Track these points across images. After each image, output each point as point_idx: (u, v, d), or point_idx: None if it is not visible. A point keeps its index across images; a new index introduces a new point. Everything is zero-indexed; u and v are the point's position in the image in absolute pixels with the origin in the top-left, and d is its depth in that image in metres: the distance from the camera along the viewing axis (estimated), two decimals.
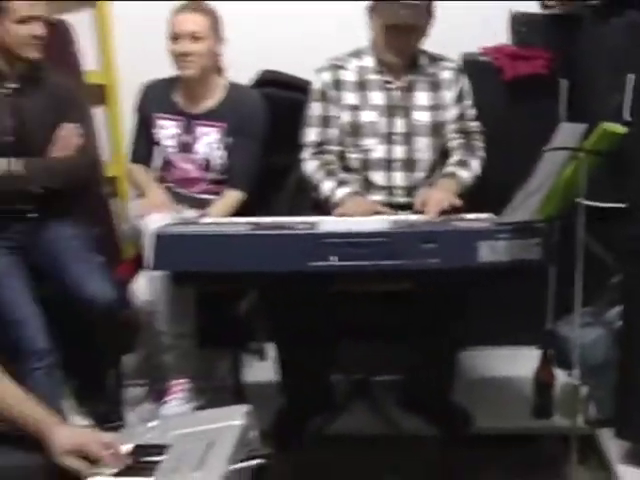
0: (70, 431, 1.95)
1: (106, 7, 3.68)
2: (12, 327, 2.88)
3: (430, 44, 3.13)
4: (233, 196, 3.29)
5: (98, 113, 3.72)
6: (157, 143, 3.34)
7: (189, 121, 3.32)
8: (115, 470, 1.86)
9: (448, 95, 3.15)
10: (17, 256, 3.08)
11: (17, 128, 3.05)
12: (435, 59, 3.17)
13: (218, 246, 2.54)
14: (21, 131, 3.05)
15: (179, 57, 3.21)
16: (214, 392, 3.12)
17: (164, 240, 2.57)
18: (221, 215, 3.17)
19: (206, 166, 3.32)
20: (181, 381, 3.06)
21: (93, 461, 1.87)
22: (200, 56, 3.22)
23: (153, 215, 3.06)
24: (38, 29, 3.01)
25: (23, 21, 2.97)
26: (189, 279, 2.69)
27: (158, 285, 2.95)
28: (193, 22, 3.21)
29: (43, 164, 3.08)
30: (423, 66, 3.14)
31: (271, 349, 3.30)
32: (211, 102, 3.32)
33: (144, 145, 3.38)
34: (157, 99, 3.35)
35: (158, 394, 3.15)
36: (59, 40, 3.44)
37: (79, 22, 3.64)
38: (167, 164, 3.35)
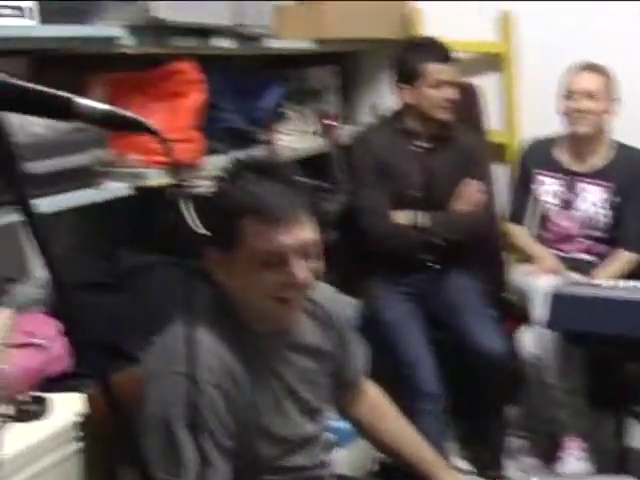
0: (458, 478, 2.03)
1: (513, 72, 3.82)
2: (406, 367, 3.06)
3: None
4: (625, 257, 3.27)
5: (497, 170, 3.84)
6: (535, 199, 3.40)
7: (572, 179, 3.36)
8: None
9: None
10: (415, 303, 3.27)
11: (426, 184, 3.24)
12: None
13: (615, 309, 2.56)
14: (429, 187, 3.24)
15: (574, 114, 3.28)
16: (597, 454, 3.08)
17: (561, 300, 2.63)
18: (611, 277, 3.14)
19: (587, 224, 3.33)
20: (575, 439, 3.05)
21: None
22: (595, 114, 3.26)
23: (542, 276, 3.13)
24: (451, 93, 3.21)
25: (438, 85, 3.19)
26: (582, 339, 2.73)
27: (548, 341, 2.98)
28: (589, 81, 3.27)
29: (447, 218, 3.26)
30: None
31: None
32: (598, 161, 3.34)
33: (523, 204, 3.46)
34: (539, 156, 3.44)
35: (541, 448, 3.18)
36: (467, 101, 3.62)
37: (486, 85, 3.83)
38: (544, 221, 3.40)
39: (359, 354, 2.03)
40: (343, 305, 2.04)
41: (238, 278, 1.71)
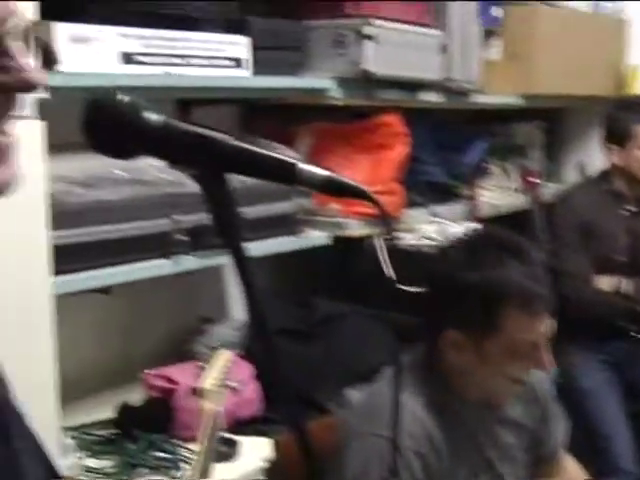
0: None
1: None
2: (601, 440, 2.94)
3: None
4: None
5: None
6: None
7: None
8: None
9: None
10: (613, 372, 3.14)
11: (632, 249, 3.12)
12: None
13: None
14: (636, 252, 3.12)
15: None
16: None
17: None
18: None
19: None
20: None
21: None
22: None
23: None
24: None
25: None
26: None
27: None
28: None
29: None
30: None
31: None
32: None
33: None
34: None
35: None
36: None
37: None
38: None
39: (560, 428, 1.94)
40: (544, 375, 1.96)
41: (481, 360, 1.65)
